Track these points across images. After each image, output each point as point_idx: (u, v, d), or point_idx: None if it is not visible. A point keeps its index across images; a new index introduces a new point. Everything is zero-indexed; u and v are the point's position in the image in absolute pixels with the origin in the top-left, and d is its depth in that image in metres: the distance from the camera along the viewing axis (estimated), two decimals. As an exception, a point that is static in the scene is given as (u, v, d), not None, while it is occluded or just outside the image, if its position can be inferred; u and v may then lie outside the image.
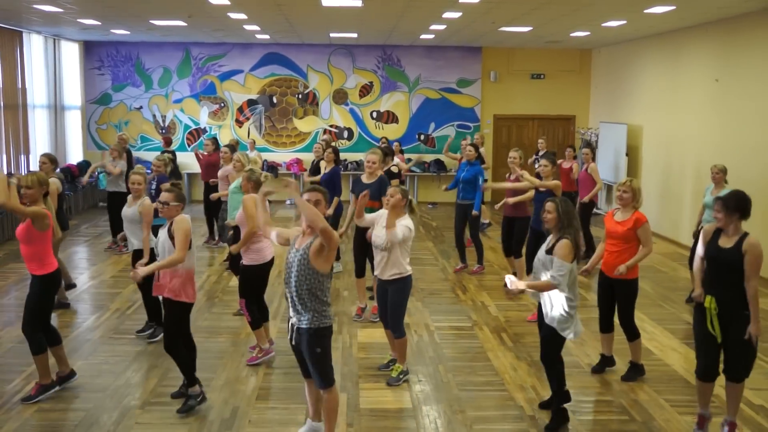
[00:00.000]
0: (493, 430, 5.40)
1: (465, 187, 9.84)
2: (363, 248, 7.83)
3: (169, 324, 5.62)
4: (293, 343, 4.77)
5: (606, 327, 6.41)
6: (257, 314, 6.59)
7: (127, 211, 7.18)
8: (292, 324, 4.74)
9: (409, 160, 14.17)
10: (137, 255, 7.12)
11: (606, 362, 6.56)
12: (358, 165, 16.14)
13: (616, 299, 6.24)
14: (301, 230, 4.78)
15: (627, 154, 14.15)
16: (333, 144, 11.09)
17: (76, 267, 10.32)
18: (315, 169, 10.35)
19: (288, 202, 16.47)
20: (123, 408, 5.64)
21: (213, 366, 6.49)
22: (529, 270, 6.94)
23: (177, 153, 15.08)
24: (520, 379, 6.34)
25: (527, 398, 5.92)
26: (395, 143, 14.73)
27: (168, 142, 14.34)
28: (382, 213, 6.21)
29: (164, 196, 5.65)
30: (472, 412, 5.67)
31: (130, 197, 7.31)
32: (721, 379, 5.19)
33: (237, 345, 7.09)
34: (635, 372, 6.39)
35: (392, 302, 6.13)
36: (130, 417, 5.49)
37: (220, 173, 10.44)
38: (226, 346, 7.05)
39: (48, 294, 5.88)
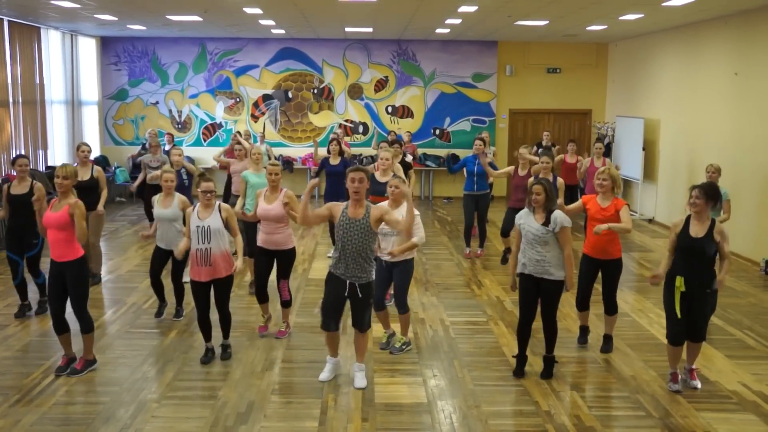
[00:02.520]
0: (508, 425, 5.38)
1: (479, 180, 10.45)
2: None
3: (228, 295, 6.44)
4: (347, 294, 5.77)
5: (585, 306, 6.87)
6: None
7: (165, 212, 7.34)
8: (350, 283, 5.71)
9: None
10: (165, 255, 7.49)
11: (587, 331, 7.10)
12: (373, 159, 16.11)
13: (605, 278, 6.69)
14: (341, 206, 5.73)
15: (644, 149, 14.04)
16: (337, 137, 11.07)
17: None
18: (323, 166, 10.30)
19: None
20: (140, 402, 5.68)
21: (229, 360, 6.52)
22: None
23: (192, 148, 16.06)
24: (535, 374, 6.31)
25: (543, 393, 5.90)
26: (405, 134, 15.73)
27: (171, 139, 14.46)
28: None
29: (208, 185, 6.20)
30: (488, 407, 5.66)
31: (158, 197, 7.48)
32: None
33: (252, 339, 7.11)
34: (610, 344, 6.91)
35: (400, 283, 6.66)
36: (147, 411, 5.52)
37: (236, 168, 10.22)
38: (241, 340, 7.07)
39: (86, 275, 6.17)
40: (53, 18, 12.96)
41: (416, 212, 6.13)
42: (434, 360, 6.64)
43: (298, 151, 16.95)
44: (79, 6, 11.24)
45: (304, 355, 6.73)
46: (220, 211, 6.27)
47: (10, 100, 12.85)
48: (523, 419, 5.49)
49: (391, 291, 7.16)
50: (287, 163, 16.50)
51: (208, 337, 6.53)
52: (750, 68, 10.87)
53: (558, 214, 5.98)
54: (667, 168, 13.69)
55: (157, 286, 7.66)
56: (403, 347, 6.82)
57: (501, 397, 5.86)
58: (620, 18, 11.93)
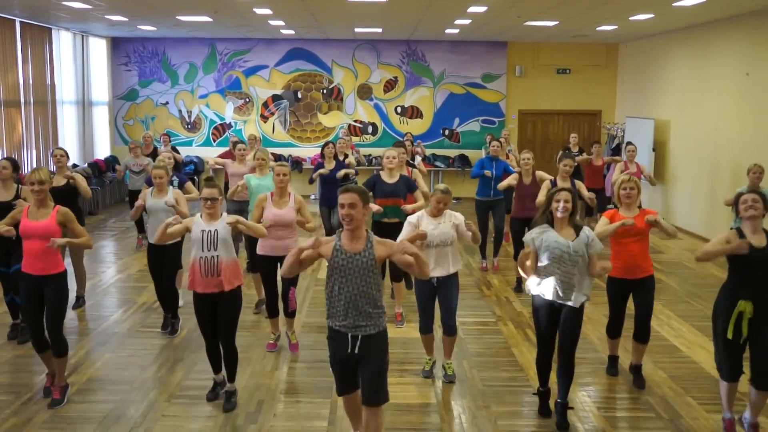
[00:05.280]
0: (517, 426, 5.38)
1: (496, 184, 9.52)
2: None
3: (235, 319, 5.56)
4: (356, 352, 4.27)
5: (618, 332, 6.19)
6: None
7: (156, 203, 7.06)
8: (353, 336, 4.26)
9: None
10: (160, 254, 7.09)
11: (616, 360, 6.42)
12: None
13: (639, 299, 5.92)
14: (331, 240, 4.33)
15: (654, 150, 14.00)
16: (330, 140, 10.74)
17: (103, 261, 10.44)
18: (319, 167, 9.93)
19: (312, 197, 16.52)
20: (149, 401, 5.70)
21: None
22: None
23: (202, 148, 16.30)
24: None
25: (552, 394, 5.88)
26: (407, 134, 15.65)
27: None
28: (420, 216, 6.01)
29: (211, 192, 5.43)
30: (497, 407, 5.66)
31: (150, 190, 7.18)
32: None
33: (260, 339, 7.12)
34: (642, 376, 6.17)
35: (453, 300, 5.98)
36: (157, 410, 5.55)
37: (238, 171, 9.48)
38: (250, 340, 7.08)
39: (67, 291, 5.67)
40: (64, 19, 13.03)
41: (459, 219, 5.85)
42: (443, 360, 6.63)
43: (307, 151, 16.97)
44: (90, 7, 11.29)
45: (313, 354, 6.73)
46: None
47: (22, 100, 12.93)
48: (533, 420, 5.48)
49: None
50: (296, 163, 16.53)
51: (217, 368, 5.73)
52: (761, 68, 10.82)
53: (590, 231, 5.27)
54: (677, 169, 13.64)
55: (163, 298, 7.36)
56: (453, 377, 6.17)
57: (510, 398, 5.85)
58: (630, 18, 11.90)
